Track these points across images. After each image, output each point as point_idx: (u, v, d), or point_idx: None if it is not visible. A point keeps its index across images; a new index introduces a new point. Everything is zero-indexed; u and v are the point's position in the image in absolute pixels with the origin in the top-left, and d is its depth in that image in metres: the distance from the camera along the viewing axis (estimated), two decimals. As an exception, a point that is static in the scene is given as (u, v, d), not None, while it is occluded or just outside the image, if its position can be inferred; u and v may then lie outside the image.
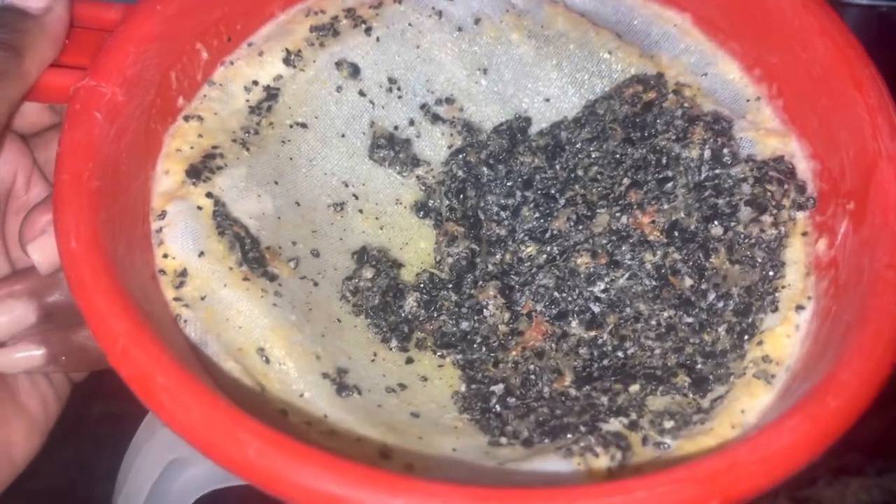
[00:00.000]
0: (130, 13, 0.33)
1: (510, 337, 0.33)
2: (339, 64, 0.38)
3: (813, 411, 0.23)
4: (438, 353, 0.34)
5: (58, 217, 0.28)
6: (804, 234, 0.33)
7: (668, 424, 0.29)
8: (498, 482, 0.26)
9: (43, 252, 0.31)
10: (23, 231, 0.31)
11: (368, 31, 0.38)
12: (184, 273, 0.31)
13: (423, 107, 0.39)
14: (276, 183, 0.35)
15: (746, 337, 0.31)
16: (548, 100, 0.39)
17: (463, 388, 0.32)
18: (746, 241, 0.32)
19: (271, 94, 0.37)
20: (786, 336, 0.30)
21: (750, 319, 0.31)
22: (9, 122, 0.32)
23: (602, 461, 0.27)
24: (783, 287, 0.31)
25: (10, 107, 0.31)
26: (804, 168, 0.33)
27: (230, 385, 0.29)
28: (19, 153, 0.35)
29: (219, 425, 0.23)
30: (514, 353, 0.33)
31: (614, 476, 0.27)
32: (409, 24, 0.39)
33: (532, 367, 0.32)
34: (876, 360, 0.24)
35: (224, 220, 0.33)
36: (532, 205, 0.37)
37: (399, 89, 0.39)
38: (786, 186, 0.33)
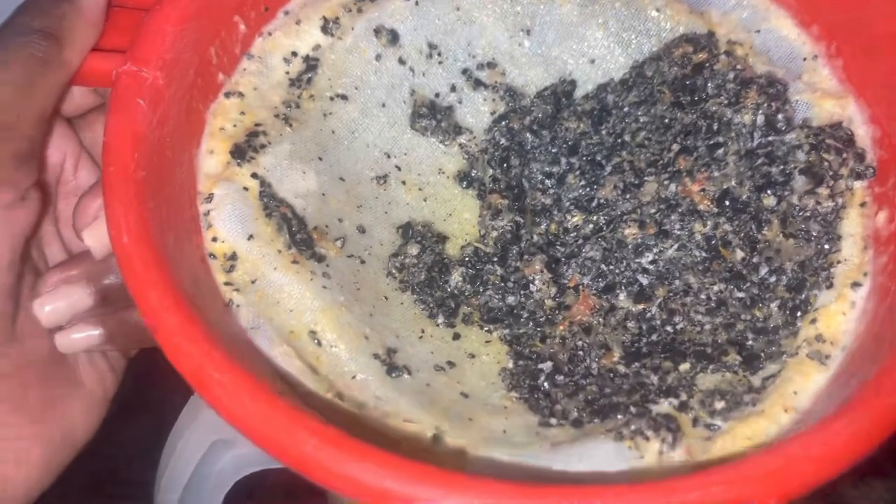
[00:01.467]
0: (166, -9, 0.32)
1: (557, 311, 0.33)
2: (377, 31, 0.37)
3: (868, 408, 0.23)
4: (485, 329, 0.34)
5: (108, 211, 0.28)
6: (862, 204, 0.31)
7: (719, 405, 0.29)
8: (549, 474, 0.26)
9: (97, 238, 0.31)
10: (76, 218, 0.32)
11: (407, -6, 0.37)
12: (233, 256, 0.31)
13: (464, 72, 0.38)
14: (320, 159, 0.35)
15: (799, 314, 0.30)
16: (593, 61, 0.38)
17: (510, 364, 0.33)
18: (801, 213, 0.31)
19: (310, 65, 0.36)
20: (841, 314, 0.29)
21: (804, 295, 0.31)
22: (55, 110, 0.32)
23: (653, 445, 0.27)
24: (838, 262, 0.31)
25: (54, 96, 0.31)
26: (863, 133, 0.32)
27: (287, 367, 0.29)
28: (66, 137, 0.35)
29: (276, 422, 0.24)
30: (561, 328, 0.33)
31: (664, 458, 0.27)
32: (449, -15, 0.38)
33: (580, 342, 0.32)
34: (937, 351, 0.24)
35: (271, 201, 0.33)
36: (578, 172, 0.36)
37: (439, 55, 0.38)
38: (844, 155, 0.31)
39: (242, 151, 0.33)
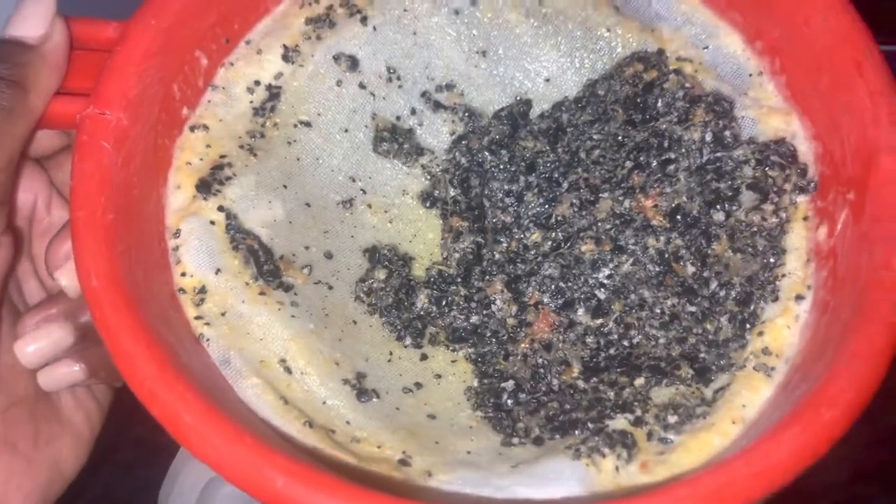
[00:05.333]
0: (126, 32, 0.33)
1: (519, 329, 0.34)
2: (337, 57, 0.38)
3: (807, 422, 0.24)
4: (451, 348, 0.35)
5: (77, 257, 0.29)
6: (805, 219, 0.33)
7: (672, 419, 0.30)
8: (507, 502, 0.27)
9: (71, 277, 0.32)
10: (48, 259, 0.32)
11: (364, 20, 0.38)
12: (203, 290, 0.32)
13: (423, 94, 0.39)
14: (285, 186, 0.36)
15: (748, 326, 0.32)
16: (548, 80, 0.39)
17: (475, 382, 0.34)
18: (748, 228, 0.33)
19: (273, 93, 0.37)
20: (786, 327, 0.31)
21: (751, 308, 0.32)
22: (21, 156, 0.33)
23: (609, 461, 0.28)
24: (783, 276, 0.32)
25: (21, 143, 0.32)
26: (806, 149, 0.33)
27: (256, 401, 0.31)
28: (36, 178, 0.36)
29: (246, 462, 0.25)
30: (523, 345, 0.34)
31: (621, 474, 0.28)
32: (405, 10, 0.38)
33: (541, 360, 0.33)
34: (870, 368, 0.25)
35: (237, 234, 0.34)
36: (536, 190, 0.37)
37: (399, 78, 0.39)
38: (787, 171, 0.33)
39: (208, 185, 0.34)
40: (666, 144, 0.35)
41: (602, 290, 0.34)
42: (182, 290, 0.32)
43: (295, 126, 0.37)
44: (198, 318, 0.32)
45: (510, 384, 0.33)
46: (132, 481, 0.49)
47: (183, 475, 0.34)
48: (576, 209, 0.36)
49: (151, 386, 0.26)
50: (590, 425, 0.30)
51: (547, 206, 0.37)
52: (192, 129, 0.35)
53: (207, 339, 0.31)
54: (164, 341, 0.28)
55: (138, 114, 0.32)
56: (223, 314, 0.32)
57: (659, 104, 0.36)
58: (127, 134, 0.32)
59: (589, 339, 0.34)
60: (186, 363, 0.28)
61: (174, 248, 0.33)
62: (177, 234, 0.33)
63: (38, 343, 0.33)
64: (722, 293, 0.32)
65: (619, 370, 0.32)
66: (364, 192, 0.38)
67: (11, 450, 0.34)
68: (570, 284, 0.34)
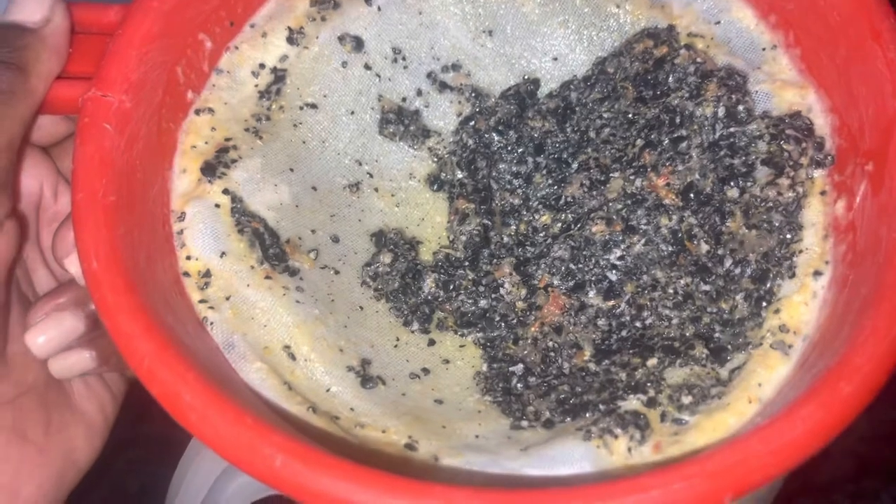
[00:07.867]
0: (128, 14, 0.33)
1: (528, 312, 0.34)
2: (342, 38, 0.37)
3: (825, 399, 0.24)
4: (459, 333, 0.34)
5: (77, 237, 0.28)
6: (822, 193, 0.32)
7: (687, 399, 0.29)
8: (517, 480, 0.27)
9: (79, 265, 0.32)
10: (56, 247, 0.32)
11: (369, 0, 0.37)
12: (207, 274, 0.32)
13: (429, 75, 0.38)
14: (292, 170, 0.36)
15: (764, 304, 0.31)
16: (556, 59, 0.38)
17: (484, 367, 0.33)
18: (763, 204, 0.32)
19: (279, 76, 0.37)
20: (803, 304, 0.30)
21: (767, 286, 0.31)
22: (23, 140, 0.32)
23: (621, 442, 0.28)
24: (800, 251, 0.31)
25: (22, 126, 0.31)
26: (822, 123, 0.32)
27: (260, 385, 0.30)
28: (42, 165, 0.35)
29: (244, 440, 0.24)
30: (533, 329, 0.33)
31: (634, 456, 0.28)
32: (410, -11, 0.38)
33: (551, 343, 0.33)
34: (890, 342, 0.24)
35: (242, 217, 0.33)
36: (545, 171, 0.36)
37: (404, 59, 0.38)
38: (803, 145, 0.32)
39: (213, 168, 0.34)
40: (678, 121, 0.34)
41: (614, 271, 0.33)
42: (186, 273, 0.32)
43: (301, 109, 0.37)
44: (202, 301, 0.31)
45: (519, 368, 0.32)
46: (145, 477, 0.48)
47: (192, 471, 0.34)
48: (586, 189, 0.35)
49: (150, 364, 0.26)
50: (601, 407, 0.29)
51: (556, 187, 0.36)
52: (198, 112, 0.35)
53: (211, 323, 0.31)
54: (165, 323, 0.28)
55: (141, 96, 0.32)
56: (228, 298, 0.32)
57: (670, 80, 0.35)
58: (129, 116, 0.31)
59: (600, 322, 0.33)
60: (188, 345, 0.28)
61: (179, 232, 0.33)
62: (182, 217, 0.33)
63: (49, 332, 0.33)
64: (737, 271, 0.32)
65: (631, 352, 0.31)
66: (371, 175, 0.37)
67: (22, 439, 0.34)
68: (580, 266, 0.34)
